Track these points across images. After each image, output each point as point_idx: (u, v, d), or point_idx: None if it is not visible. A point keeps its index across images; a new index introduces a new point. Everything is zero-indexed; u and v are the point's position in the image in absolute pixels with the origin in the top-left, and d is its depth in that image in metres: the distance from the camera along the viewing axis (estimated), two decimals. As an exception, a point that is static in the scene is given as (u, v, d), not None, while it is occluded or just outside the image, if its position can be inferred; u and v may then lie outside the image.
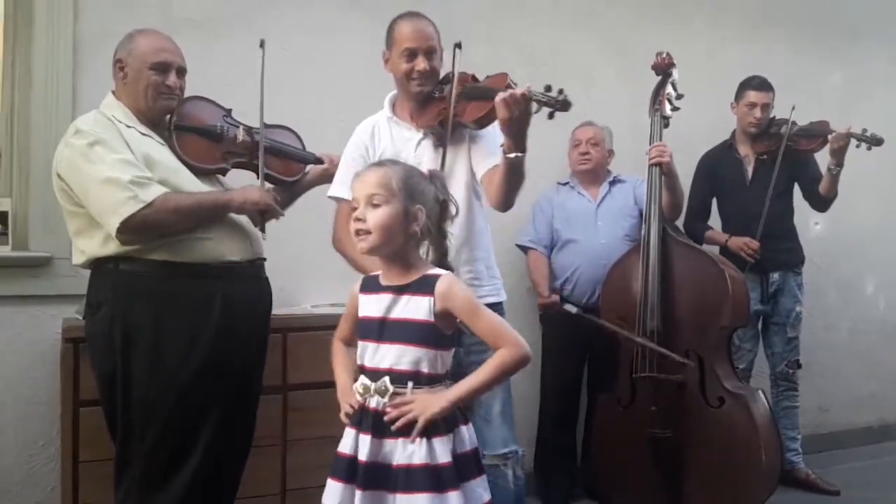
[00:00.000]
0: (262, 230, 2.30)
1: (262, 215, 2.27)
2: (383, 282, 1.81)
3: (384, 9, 2.51)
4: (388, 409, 1.70)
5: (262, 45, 2.33)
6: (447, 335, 1.77)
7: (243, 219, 2.30)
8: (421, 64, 2.28)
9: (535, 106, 2.01)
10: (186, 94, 2.33)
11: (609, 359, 3.20)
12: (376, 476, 1.68)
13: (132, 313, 2.11)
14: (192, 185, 2.22)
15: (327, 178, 2.49)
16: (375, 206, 1.73)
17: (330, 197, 2.41)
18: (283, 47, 3.06)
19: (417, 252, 1.82)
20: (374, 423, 1.71)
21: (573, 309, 3.28)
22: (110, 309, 2.13)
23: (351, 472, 1.71)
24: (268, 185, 2.40)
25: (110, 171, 2.05)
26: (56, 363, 2.56)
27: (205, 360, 2.13)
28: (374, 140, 2.38)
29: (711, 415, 2.89)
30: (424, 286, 1.75)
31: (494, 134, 2.22)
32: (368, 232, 1.73)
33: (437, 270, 1.78)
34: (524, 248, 3.52)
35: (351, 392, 1.80)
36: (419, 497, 1.64)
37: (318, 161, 2.53)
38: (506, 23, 3.68)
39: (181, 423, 2.12)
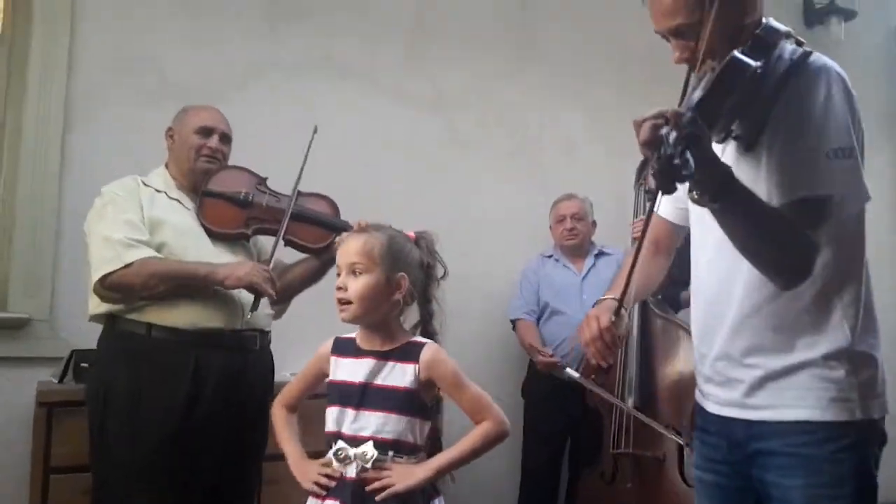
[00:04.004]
0: (254, 308, 2.20)
1: (252, 292, 2.20)
2: (363, 346, 1.76)
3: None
4: (369, 478, 1.64)
5: (315, 130, 2.39)
6: (427, 405, 1.74)
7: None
8: None
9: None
10: None
11: (593, 434, 3.14)
12: None
13: (113, 374, 2.13)
14: (198, 247, 2.24)
15: None
16: (357, 274, 1.71)
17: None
18: (275, 114, 3.11)
19: (398, 319, 1.79)
20: (353, 493, 1.65)
21: (575, 374, 3.17)
22: (97, 368, 2.19)
23: None
24: (294, 250, 2.40)
25: (107, 229, 2.14)
26: (31, 427, 2.49)
27: (177, 427, 2.10)
28: None
29: (687, 494, 2.82)
30: (409, 353, 1.72)
31: (799, 139, 1.41)
32: (350, 302, 1.70)
33: (420, 338, 1.77)
34: (515, 322, 3.48)
35: (312, 462, 1.74)
36: None
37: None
38: (495, 97, 3.76)
39: (151, 489, 2.08)
